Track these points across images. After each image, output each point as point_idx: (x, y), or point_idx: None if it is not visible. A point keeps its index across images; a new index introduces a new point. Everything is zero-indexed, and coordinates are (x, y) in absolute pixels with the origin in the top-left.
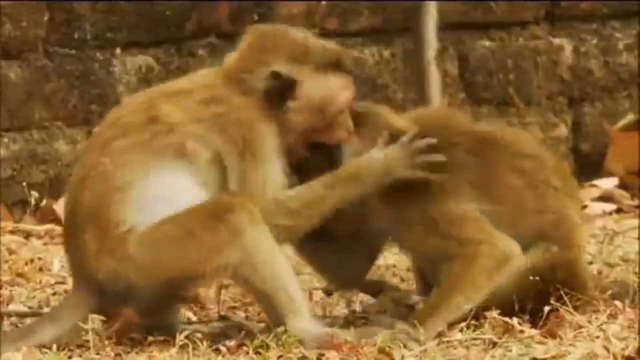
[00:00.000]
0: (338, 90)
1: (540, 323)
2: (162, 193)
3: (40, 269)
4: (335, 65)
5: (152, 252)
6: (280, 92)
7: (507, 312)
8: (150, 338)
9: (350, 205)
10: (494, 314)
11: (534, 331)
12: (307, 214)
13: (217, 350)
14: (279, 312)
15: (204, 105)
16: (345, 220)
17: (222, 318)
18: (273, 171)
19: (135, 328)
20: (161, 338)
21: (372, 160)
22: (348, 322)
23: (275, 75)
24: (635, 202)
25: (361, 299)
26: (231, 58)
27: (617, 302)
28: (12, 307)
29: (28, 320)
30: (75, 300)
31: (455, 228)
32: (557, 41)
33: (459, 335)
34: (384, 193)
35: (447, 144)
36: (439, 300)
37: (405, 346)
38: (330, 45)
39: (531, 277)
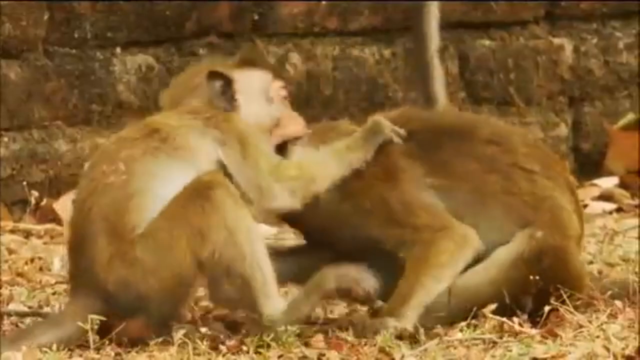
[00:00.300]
0: (267, 79)
1: (541, 323)
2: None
3: (40, 269)
4: (252, 62)
5: (152, 250)
6: (225, 91)
7: (502, 307)
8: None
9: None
10: (489, 308)
11: (534, 331)
12: (314, 174)
13: (217, 350)
14: (254, 295)
15: (192, 114)
16: (336, 236)
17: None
18: (267, 148)
19: (145, 337)
20: (160, 338)
21: (366, 126)
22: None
23: (212, 74)
24: (635, 202)
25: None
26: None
27: (617, 302)
28: (12, 307)
29: (28, 320)
30: (78, 306)
31: (412, 216)
32: (557, 41)
33: (459, 335)
34: (340, 189)
35: (406, 135)
36: (408, 288)
37: (380, 328)
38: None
39: (520, 267)
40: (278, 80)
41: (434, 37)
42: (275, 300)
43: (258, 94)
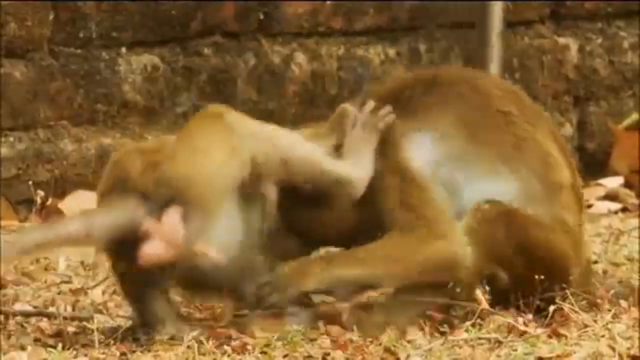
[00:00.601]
0: None
1: (546, 322)
2: None
3: (46, 268)
4: None
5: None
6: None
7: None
8: (155, 337)
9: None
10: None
11: (539, 330)
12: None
13: (223, 350)
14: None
15: None
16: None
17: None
18: None
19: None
20: (166, 337)
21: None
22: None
23: None
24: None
25: None
26: None
27: (622, 302)
28: (17, 307)
29: (33, 320)
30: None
31: (425, 206)
32: (562, 40)
33: (464, 335)
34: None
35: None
36: (356, 257)
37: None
38: None
39: None
40: None
41: (494, 40)
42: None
43: None
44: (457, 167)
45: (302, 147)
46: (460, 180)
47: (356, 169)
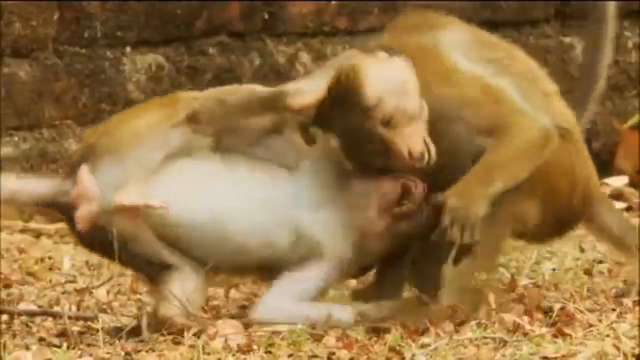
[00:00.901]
0: None
1: (551, 322)
2: None
3: (50, 268)
4: None
5: None
6: None
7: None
8: (160, 337)
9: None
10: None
11: (544, 330)
12: None
13: (228, 349)
14: None
15: None
16: None
17: (232, 317)
18: None
19: None
20: (170, 336)
21: None
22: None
23: None
24: None
25: None
26: None
27: (626, 301)
28: (22, 306)
29: (38, 320)
30: None
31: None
32: (567, 40)
33: (469, 334)
34: None
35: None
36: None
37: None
38: None
39: None
40: None
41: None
42: None
43: None
44: None
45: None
46: None
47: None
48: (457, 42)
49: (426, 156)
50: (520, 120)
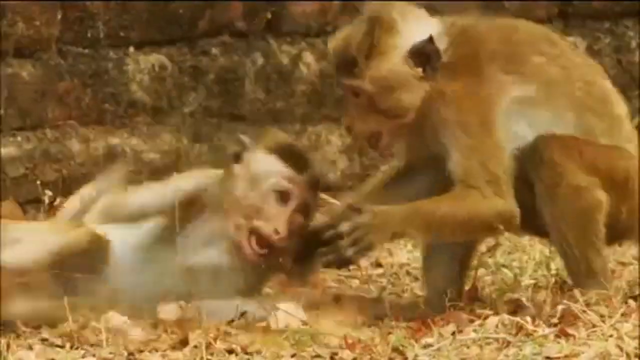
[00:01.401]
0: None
1: (554, 322)
2: None
3: None
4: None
5: None
6: None
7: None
8: (163, 336)
9: None
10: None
11: (547, 330)
12: None
13: (231, 350)
14: None
15: None
16: None
17: None
18: None
19: None
20: (174, 336)
21: None
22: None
23: None
24: None
25: None
26: None
27: (630, 301)
28: None
29: None
30: None
31: (491, 160)
32: (570, 39)
33: (472, 335)
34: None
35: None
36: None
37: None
38: None
39: None
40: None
41: None
42: None
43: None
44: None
45: None
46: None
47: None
48: None
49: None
50: (488, 193)
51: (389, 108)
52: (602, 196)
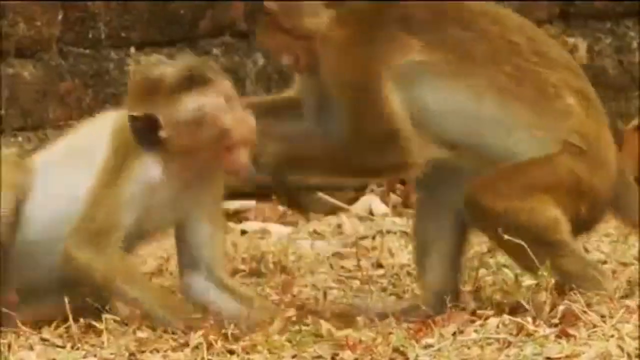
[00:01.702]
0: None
1: (554, 322)
2: None
3: None
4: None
5: None
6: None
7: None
8: (164, 337)
9: None
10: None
11: (548, 330)
12: None
13: (232, 351)
14: None
15: None
16: None
17: None
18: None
19: None
20: (175, 337)
21: None
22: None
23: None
24: None
25: None
26: None
27: (631, 301)
28: None
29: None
30: None
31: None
32: (571, 40)
33: (473, 335)
34: None
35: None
36: None
37: None
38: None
39: None
40: (220, 87)
41: None
42: None
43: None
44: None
45: None
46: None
47: None
48: None
49: None
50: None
51: (292, 28)
52: (553, 212)
